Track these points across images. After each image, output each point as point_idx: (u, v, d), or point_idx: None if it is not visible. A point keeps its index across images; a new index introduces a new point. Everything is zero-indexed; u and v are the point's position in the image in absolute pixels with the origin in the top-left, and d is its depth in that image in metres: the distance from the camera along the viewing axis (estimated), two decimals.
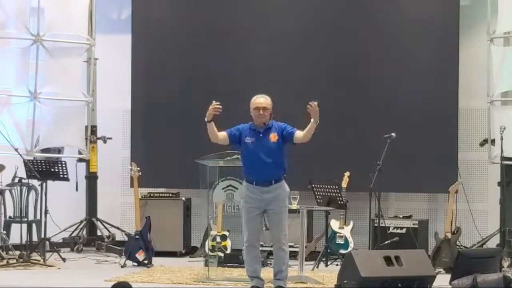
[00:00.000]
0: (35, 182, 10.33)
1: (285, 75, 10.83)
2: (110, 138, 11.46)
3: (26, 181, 10.28)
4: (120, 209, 11.67)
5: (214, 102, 7.74)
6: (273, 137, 7.83)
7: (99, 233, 11.38)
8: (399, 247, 9.13)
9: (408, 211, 10.65)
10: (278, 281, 7.96)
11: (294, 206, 8.83)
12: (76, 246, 11.12)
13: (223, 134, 7.92)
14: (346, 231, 10.29)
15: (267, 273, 9.18)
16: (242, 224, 8.01)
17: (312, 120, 7.67)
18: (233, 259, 9.53)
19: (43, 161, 10.22)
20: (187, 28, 11.18)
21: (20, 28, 10.85)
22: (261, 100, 7.89)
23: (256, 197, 7.85)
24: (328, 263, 9.96)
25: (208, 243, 9.48)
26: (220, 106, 7.73)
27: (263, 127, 7.85)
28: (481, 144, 10.51)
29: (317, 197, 10.01)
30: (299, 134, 7.83)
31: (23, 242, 9.86)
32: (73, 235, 11.26)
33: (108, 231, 11.33)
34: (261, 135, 7.84)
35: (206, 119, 7.76)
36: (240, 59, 11.02)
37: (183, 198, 10.93)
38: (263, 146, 7.80)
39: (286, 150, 7.94)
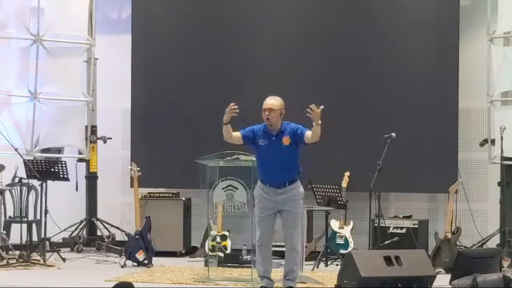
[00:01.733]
0: (35, 182, 10.32)
1: (285, 74, 10.82)
2: (110, 138, 11.45)
3: (26, 181, 10.27)
4: (120, 209, 11.67)
5: (231, 104, 7.67)
6: (286, 140, 7.74)
7: (99, 233, 11.38)
8: (399, 247, 9.14)
9: (408, 211, 10.64)
10: (289, 281, 7.89)
11: None
12: (76, 246, 11.11)
13: (237, 135, 7.85)
14: (346, 231, 10.29)
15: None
16: (255, 224, 7.93)
17: (314, 123, 7.59)
18: (233, 259, 9.53)
19: (43, 161, 10.22)
20: (187, 28, 11.17)
21: (20, 28, 10.85)
22: (269, 101, 7.79)
23: (269, 198, 7.78)
24: (328, 263, 9.95)
25: (208, 243, 9.48)
26: (237, 108, 7.67)
27: (275, 130, 7.78)
28: (481, 144, 10.50)
29: (317, 197, 10.01)
30: (308, 134, 7.73)
31: (23, 242, 9.85)
32: (73, 235, 11.26)
33: (108, 231, 11.33)
34: (273, 138, 7.77)
35: (223, 121, 7.69)
36: (240, 59, 11.02)
37: (183, 198, 10.93)
38: (276, 149, 7.72)
39: (299, 152, 7.85)
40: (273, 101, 7.78)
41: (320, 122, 7.57)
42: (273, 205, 7.78)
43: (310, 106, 7.53)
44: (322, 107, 7.54)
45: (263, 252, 7.87)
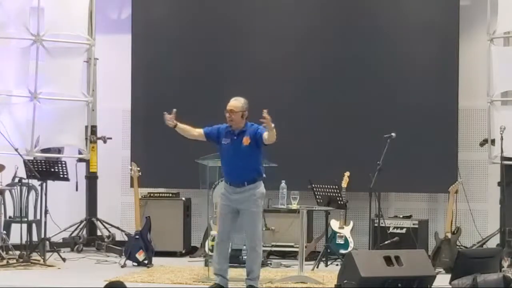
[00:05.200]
0: (35, 182, 10.32)
1: (285, 75, 10.83)
2: (110, 138, 11.45)
3: (26, 181, 10.28)
4: (120, 209, 11.66)
5: (166, 114, 7.98)
6: (246, 140, 7.87)
7: (99, 233, 11.38)
8: (399, 247, 9.14)
9: (408, 211, 10.64)
10: (250, 281, 8.00)
11: (294, 206, 8.84)
12: (76, 246, 11.11)
13: (198, 131, 8.10)
14: (346, 231, 10.29)
15: (267, 273, 9.20)
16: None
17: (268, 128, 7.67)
18: (233, 259, 9.48)
19: (43, 161, 10.21)
20: (187, 27, 11.17)
21: (20, 28, 10.84)
22: (231, 102, 7.93)
23: (229, 197, 7.96)
24: (328, 263, 9.96)
25: (208, 243, 9.48)
26: (170, 116, 8.03)
27: (237, 129, 7.90)
28: (481, 144, 10.50)
29: (317, 197, 10.00)
30: (265, 135, 7.81)
31: (23, 242, 9.86)
32: (73, 235, 11.25)
33: (108, 231, 11.33)
34: (235, 137, 7.91)
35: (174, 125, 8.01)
36: (240, 59, 11.02)
37: (183, 198, 10.93)
38: (236, 149, 7.86)
39: (261, 154, 7.97)
40: (234, 103, 7.92)
41: (273, 125, 7.64)
42: (232, 204, 7.95)
43: (263, 113, 7.58)
44: (265, 110, 7.60)
45: (220, 249, 8.02)
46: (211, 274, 8.87)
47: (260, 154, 7.97)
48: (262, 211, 8.10)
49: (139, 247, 9.81)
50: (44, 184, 9.84)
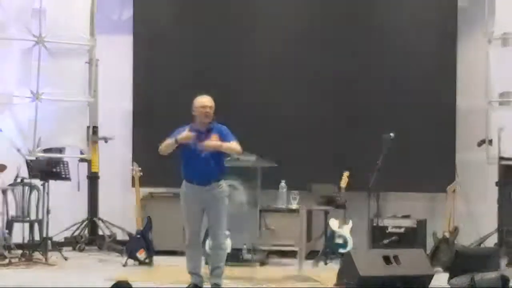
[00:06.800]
0: (37, 182, 10.36)
1: (286, 75, 10.88)
2: (112, 138, 11.49)
3: (28, 181, 10.32)
4: (121, 209, 11.68)
5: (191, 134, 7.84)
6: (214, 137, 7.87)
7: (100, 233, 11.43)
8: (397, 247, 9.19)
9: (406, 211, 10.69)
10: (215, 278, 7.98)
11: (294, 206, 8.88)
12: (78, 246, 11.16)
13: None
14: (345, 231, 10.32)
15: (267, 273, 9.24)
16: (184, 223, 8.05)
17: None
18: (233, 258, 9.55)
19: (45, 161, 10.26)
20: (188, 28, 11.21)
21: (21, 29, 10.84)
22: (206, 99, 7.99)
23: (195, 197, 7.89)
24: (327, 262, 10.01)
25: (209, 243, 9.51)
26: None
27: (204, 127, 7.90)
28: (479, 144, 10.53)
29: (317, 197, 10.06)
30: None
31: (25, 241, 9.92)
32: (75, 234, 11.30)
33: (110, 230, 11.38)
34: (203, 135, 7.88)
35: (176, 140, 7.89)
36: (241, 59, 11.06)
37: None
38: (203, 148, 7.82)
39: (225, 153, 8.00)
40: (209, 99, 8.00)
41: (215, 145, 7.76)
42: (199, 203, 7.89)
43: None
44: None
45: (192, 251, 8.00)
46: None
47: (224, 153, 7.97)
48: (227, 208, 8.07)
49: (140, 246, 9.86)
50: (46, 184, 9.89)
